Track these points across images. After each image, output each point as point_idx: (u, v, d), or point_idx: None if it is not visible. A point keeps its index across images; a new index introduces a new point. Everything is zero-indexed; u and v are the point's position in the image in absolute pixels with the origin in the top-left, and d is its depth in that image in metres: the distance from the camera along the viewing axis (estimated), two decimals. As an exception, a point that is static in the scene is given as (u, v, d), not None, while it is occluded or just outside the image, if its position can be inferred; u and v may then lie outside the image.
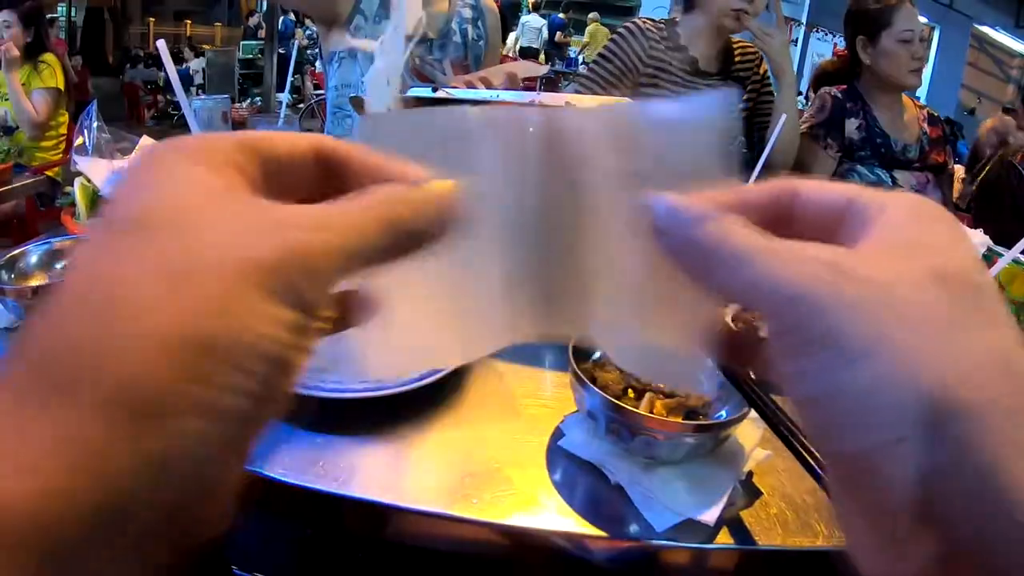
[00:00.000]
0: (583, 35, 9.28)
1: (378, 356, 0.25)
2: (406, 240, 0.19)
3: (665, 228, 0.20)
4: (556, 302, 0.25)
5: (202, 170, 0.17)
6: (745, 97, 1.50)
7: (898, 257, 0.17)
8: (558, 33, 9.33)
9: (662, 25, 1.45)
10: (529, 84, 1.38)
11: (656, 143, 0.23)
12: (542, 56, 8.87)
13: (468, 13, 1.45)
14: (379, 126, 0.25)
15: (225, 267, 0.15)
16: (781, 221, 0.20)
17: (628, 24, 1.47)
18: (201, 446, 0.14)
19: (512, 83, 1.10)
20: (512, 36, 8.54)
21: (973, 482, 0.15)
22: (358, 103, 0.97)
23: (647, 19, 1.48)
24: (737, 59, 1.49)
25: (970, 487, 0.15)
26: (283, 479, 0.48)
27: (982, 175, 1.90)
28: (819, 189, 0.20)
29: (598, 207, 0.24)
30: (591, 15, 9.26)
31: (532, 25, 9.25)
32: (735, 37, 1.51)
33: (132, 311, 0.14)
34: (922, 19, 1.55)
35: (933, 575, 0.16)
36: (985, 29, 9.31)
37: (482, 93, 0.73)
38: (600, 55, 1.47)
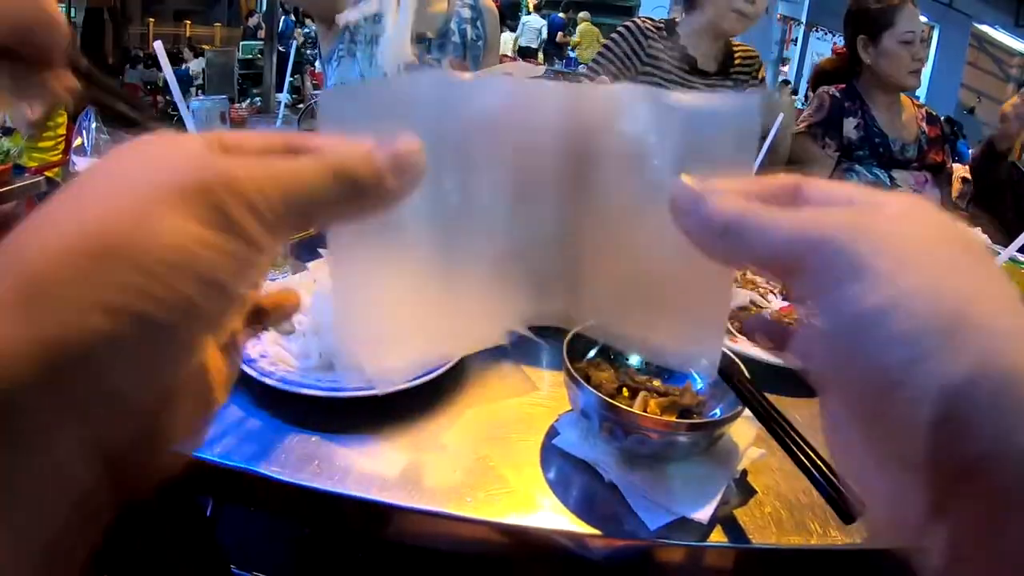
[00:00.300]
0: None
1: (377, 362, 0.25)
2: (353, 191, 0.19)
3: (688, 206, 0.21)
4: (552, 282, 0.25)
5: (170, 139, 0.18)
6: None
7: (906, 222, 0.19)
8: (559, 34, 9.34)
9: (661, 24, 1.46)
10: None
11: (678, 131, 0.23)
12: (540, 56, 8.87)
13: (467, 13, 1.45)
14: (346, 100, 0.24)
15: (149, 187, 0.16)
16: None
17: (628, 23, 1.47)
18: (108, 345, 0.14)
19: None
20: (509, 36, 8.54)
21: (996, 391, 0.15)
22: None
23: (647, 18, 1.48)
24: (737, 61, 1.49)
25: (993, 397, 0.15)
26: (280, 478, 0.48)
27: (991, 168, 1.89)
28: (822, 185, 0.22)
29: (611, 187, 0.24)
30: (581, 14, 9.33)
31: (532, 25, 9.27)
32: (735, 40, 1.51)
33: (55, 224, 0.15)
34: (922, 18, 1.55)
35: (942, 505, 0.16)
36: (985, 28, 9.30)
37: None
38: (600, 54, 1.47)
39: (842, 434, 0.19)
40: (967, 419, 0.15)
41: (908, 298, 0.16)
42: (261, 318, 0.25)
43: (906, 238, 0.18)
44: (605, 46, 1.48)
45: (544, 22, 9.44)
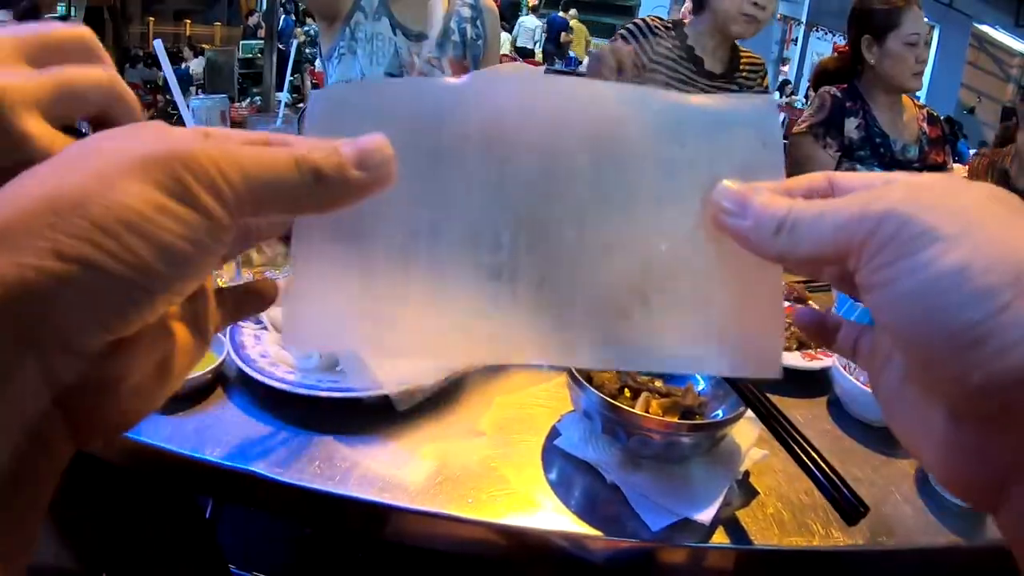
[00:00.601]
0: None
1: (386, 369, 0.25)
2: (315, 179, 0.20)
3: (737, 208, 0.22)
4: (567, 308, 0.23)
5: (153, 123, 0.20)
6: None
7: (955, 189, 0.19)
8: (562, 34, 9.35)
9: (669, 24, 1.46)
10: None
11: (702, 135, 0.23)
12: (540, 56, 8.87)
13: (467, 12, 1.45)
14: (334, 106, 0.24)
15: (118, 156, 0.18)
16: None
17: (637, 21, 1.47)
18: (59, 286, 0.16)
19: None
20: (505, 36, 8.55)
21: None
22: None
23: (656, 17, 1.48)
24: (743, 66, 1.49)
25: None
26: (280, 479, 0.48)
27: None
28: (852, 176, 0.23)
29: (639, 191, 0.23)
30: (570, 12, 9.35)
31: (527, 26, 9.28)
32: (742, 46, 1.51)
33: (31, 180, 0.17)
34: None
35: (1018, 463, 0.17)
36: (985, 28, 9.30)
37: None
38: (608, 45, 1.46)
39: (913, 402, 0.20)
40: None
41: (982, 254, 0.17)
42: (241, 306, 0.27)
43: (961, 202, 0.19)
44: (616, 34, 1.47)
45: (540, 23, 9.45)
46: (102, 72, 0.30)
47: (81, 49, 0.30)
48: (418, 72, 1.39)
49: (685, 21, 1.48)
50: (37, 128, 0.27)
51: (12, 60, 0.27)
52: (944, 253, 0.17)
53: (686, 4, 2.71)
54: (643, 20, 1.47)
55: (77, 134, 0.29)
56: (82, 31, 0.30)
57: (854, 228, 0.19)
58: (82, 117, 0.30)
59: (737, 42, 1.49)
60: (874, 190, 0.20)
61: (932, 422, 0.19)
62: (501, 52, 1.84)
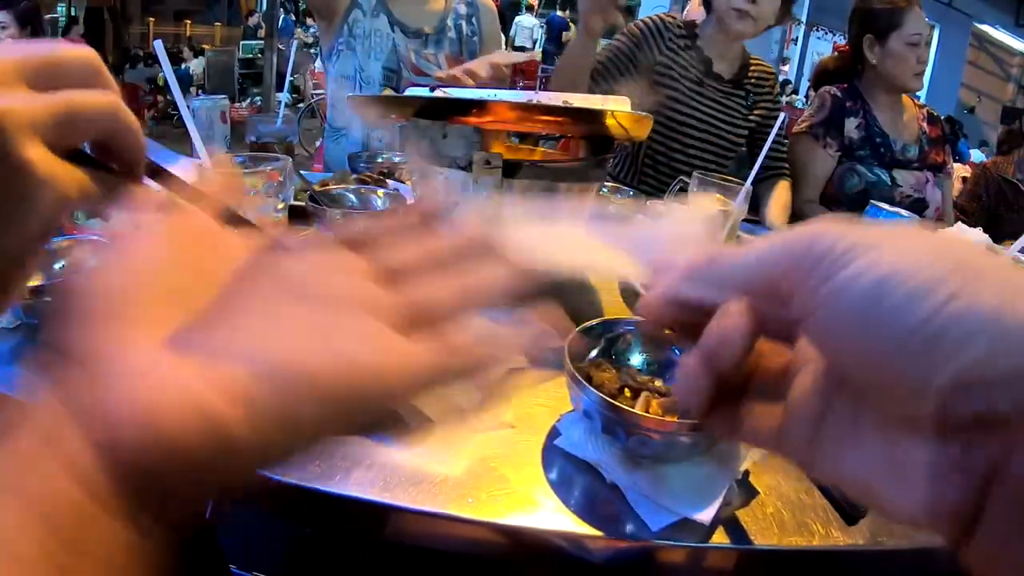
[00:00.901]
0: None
1: None
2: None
3: (664, 267, 0.22)
4: None
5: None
6: (757, 112, 1.50)
7: (877, 224, 0.19)
8: (563, 33, 9.35)
9: (682, 24, 1.45)
10: (529, 84, 1.38)
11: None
12: (540, 55, 8.89)
13: (464, 10, 1.46)
14: None
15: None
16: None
17: (649, 18, 1.46)
18: None
19: (496, 72, 1.09)
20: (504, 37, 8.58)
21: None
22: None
23: (670, 15, 1.47)
24: (752, 74, 1.49)
25: None
26: (281, 478, 0.48)
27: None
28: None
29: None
30: (568, 12, 9.36)
31: (524, 25, 9.30)
32: (752, 54, 1.50)
33: None
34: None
35: (991, 473, 0.16)
36: (985, 28, 9.30)
37: (480, 93, 0.74)
38: (617, 40, 1.45)
39: (872, 441, 0.19)
40: (1010, 346, 0.15)
41: (915, 255, 0.17)
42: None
43: (880, 228, 0.18)
44: (623, 36, 1.44)
45: (537, 22, 9.45)
46: (105, 97, 0.29)
47: (86, 72, 0.29)
48: (413, 67, 1.40)
49: (697, 22, 1.47)
50: (37, 154, 0.26)
51: (13, 82, 0.27)
52: (876, 261, 0.17)
53: (690, 3, 2.69)
54: (658, 17, 1.46)
55: (81, 159, 0.29)
56: (87, 53, 0.30)
57: (788, 249, 0.19)
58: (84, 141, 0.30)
59: (744, 46, 1.49)
60: (796, 227, 0.20)
61: (894, 452, 0.18)
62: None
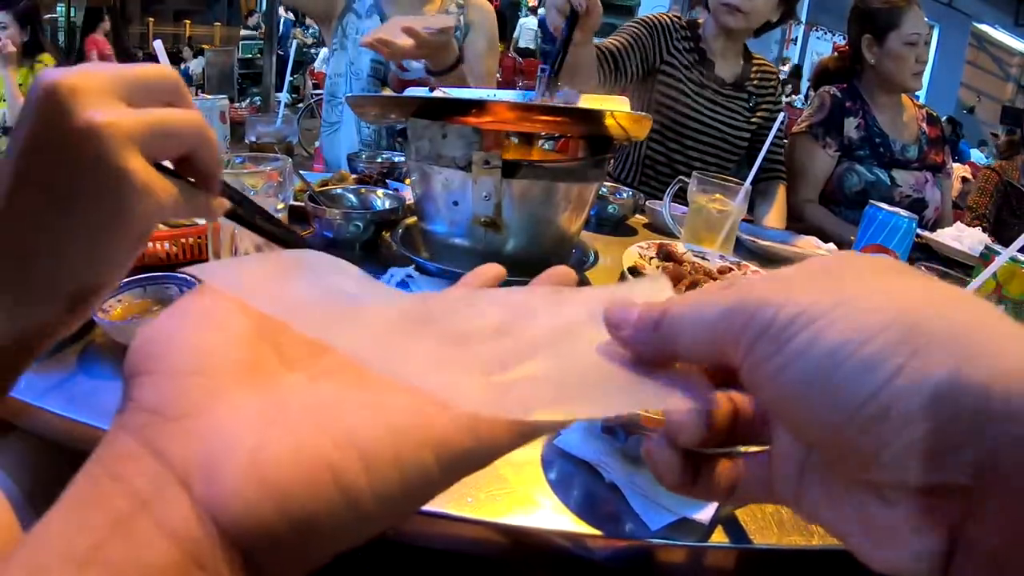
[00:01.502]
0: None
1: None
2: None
3: (619, 318, 0.21)
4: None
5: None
6: (759, 115, 1.50)
7: (828, 263, 0.19)
8: (563, 33, 9.36)
9: (685, 24, 1.45)
10: (528, 84, 1.38)
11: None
12: (539, 55, 8.88)
13: (455, 9, 1.47)
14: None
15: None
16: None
17: (656, 15, 1.45)
18: None
19: (413, 35, 1.03)
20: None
21: (983, 381, 0.14)
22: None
23: (675, 15, 1.47)
24: (754, 75, 1.48)
25: (982, 388, 0.14)
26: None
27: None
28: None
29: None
30: None
31: (527, 26, 9.29)
32: (756, 55, 1.50)
33: None
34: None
35: (962, 523, 0.15)
36: (984, 27, 9.31)
37: (479, 93, 0.74)
38: (632, 25, 1.44)
39: (835, 486, 0.19)
40: (960, 415, 0.14)
41: (862, 323, 0.16)
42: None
43: (836, 277, 0.18)
44: (629, 27, 1.43)
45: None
46: (193, 115, 0.31)
47: (170, 90, 0.31)
48: (397, 63, 1.39)
49: (700, 21, 1.47)
50: (136, 164, 0.28)
51: (109, 97, 0.28)
52: (822, 331, 0.16)
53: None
54: (661, 15, 1.46)
55: (165, 172, 0.31)
56: (171, 73, 0.32)
57: (730, 320, 0.18)
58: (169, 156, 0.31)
59: (746, 45, 1.49)
60: (745, 283, 0.19)
61: (864, 510, 0.18)
62: (502, 52, 1.84)
